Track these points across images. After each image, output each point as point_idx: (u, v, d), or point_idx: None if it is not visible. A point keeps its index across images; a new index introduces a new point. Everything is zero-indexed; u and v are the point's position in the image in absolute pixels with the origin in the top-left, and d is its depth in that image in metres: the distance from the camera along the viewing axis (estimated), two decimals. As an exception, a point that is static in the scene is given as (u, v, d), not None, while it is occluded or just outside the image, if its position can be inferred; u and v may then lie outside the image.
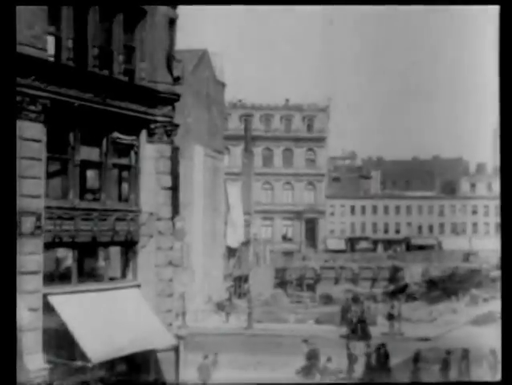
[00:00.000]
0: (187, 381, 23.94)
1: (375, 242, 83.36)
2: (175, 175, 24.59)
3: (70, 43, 21.19)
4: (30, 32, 19.45)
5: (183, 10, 24.49)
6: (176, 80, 24.14)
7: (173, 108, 24.06)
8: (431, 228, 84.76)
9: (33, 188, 19.81)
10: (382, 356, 28.55)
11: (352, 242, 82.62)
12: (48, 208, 20.37)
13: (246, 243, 58.46)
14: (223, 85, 56.15)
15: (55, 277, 20.97)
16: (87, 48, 21.76)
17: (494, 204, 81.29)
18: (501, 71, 18.98)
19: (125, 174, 23.36)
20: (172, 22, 24.01)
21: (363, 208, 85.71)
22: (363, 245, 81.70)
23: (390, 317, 39.51)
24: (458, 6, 21.21)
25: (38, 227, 19.85)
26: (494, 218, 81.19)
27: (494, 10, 19.19)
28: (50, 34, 20.55)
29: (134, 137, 23.15)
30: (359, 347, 30.26)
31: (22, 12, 19.02)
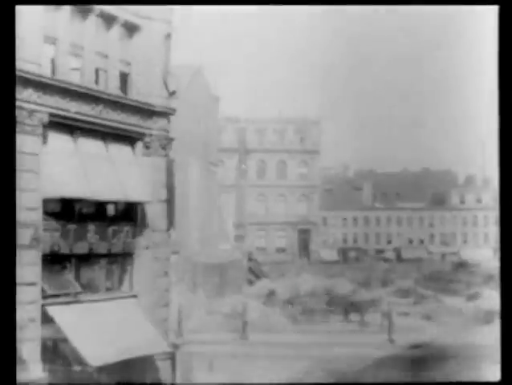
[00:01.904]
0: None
1: (366, 252, 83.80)
2: (170, 187, 24.92)
3: (67, 58, 21.64)
4: (26, 47, 19.85)
5: (178, 26, 24.97)
6: (172, 94, 24.57)
7: (169, 122, 24.48)
8: (421, 240, 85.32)
9: (31, 201, 20.16)
10: None
11: (345, 253, 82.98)
12: (46, 220, 20.74)
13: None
14: (217, 99, 56.66)
15: (53, 287, 21.26)
16: (84, 63, 22.22)
17: (483, 215, 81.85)
18: (500, 72, 19.14)
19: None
20: (167, 37, 24.45)
21: (355, 219, 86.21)
22: (353, 254, 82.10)
23: None
24: (457, 6, 21.41)
25: (36, 239, 20.18)
26: (483, 229, 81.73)
27: (494, 11, 19.36)
28: (48, 48, 20.99)
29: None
30: None
31: (20, 26, 19.38)
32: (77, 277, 21.96)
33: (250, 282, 57.17)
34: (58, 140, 21.31)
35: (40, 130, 20.41)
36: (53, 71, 21.40)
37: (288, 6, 20.60)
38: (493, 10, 19.40)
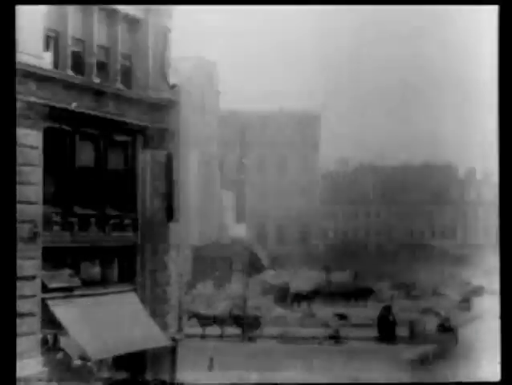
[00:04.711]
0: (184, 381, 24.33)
1: (366, 246, 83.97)
2: (170, 180, 24.91)
3: (68, 51, 21.61)
4: (27, 40, 19.81)
5: (178, 19, 24.91)
6: (172, 88, 24.56)
7: (169, 115, 24.46)
8: (422, 233, 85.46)
9: (31, 195, 20.14)
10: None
11: (345, 247, 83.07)
12: (46, 214, 20.72)
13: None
14: (218, 92, 56.63)
15: (53, 281, 21.27)
16: (85, 56, 22.20)
17: (483, 209, 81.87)
18: (500, 71, 19.16)
19: (122, 180, 23.69)
20: (168, 31, 24.43)
21: (356, 213, 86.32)
22: (354, 248, 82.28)
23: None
24: (457, 6, 21.39)
25: (36, 233, 20.17)
26: (483, 223, 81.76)
27: (494, 11, 19.33)
28: (49, 41, 20.98)
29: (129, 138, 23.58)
30: None
31: (21, 19, 19.34)
32: (77, 271, 21.94)
33: (250, 276, 57.27)
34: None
35: (40, 123, 20.35)
36: (54, 64, 21.35)
37: (290, 6, 20.58)
38: (493, 10, 19.42)
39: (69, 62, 21.64)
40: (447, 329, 36.95)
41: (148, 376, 22.80)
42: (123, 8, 23.12)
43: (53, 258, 21.24)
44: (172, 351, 23.81)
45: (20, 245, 19.51)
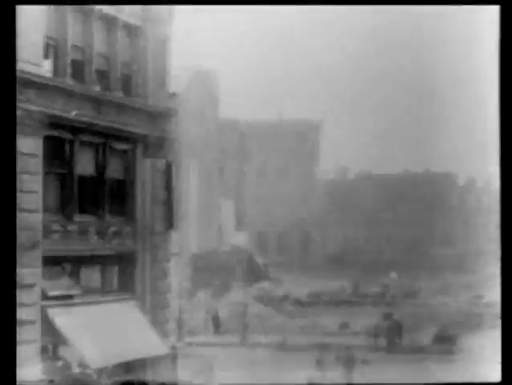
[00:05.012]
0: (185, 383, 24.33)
1: (367, 254, 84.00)
2: (170, 188, 24.95)
3: (68, 59, 21.67)
4: (27, 48, 19.87)
5: (178, 27, 25.01)
6: (172, 96, 24.62)
7: (169, 123, 24.51)
8: (422, 241, 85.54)
9: (30, 203, 20.15)
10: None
11: (345, 254, 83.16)
12: (46, 222, 20.73)
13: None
14: (217, 101, 56.78)
15: (53, 289, 21.26)
16: (85, 64, 22.26)
17: (483, 217, 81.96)
18: (501, 72, 19.13)
19: (121, 188, 23.73)
20: (167, 39, 24.50)
21: (356, 221, 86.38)
22: (354, 256, 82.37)
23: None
24: (456, 7, 21.38)
25: (36, 241, 20.18)
26: (483, 230, 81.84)
27: (494, 11, 19.34)
28: (48, 49, 21.04)
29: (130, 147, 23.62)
30: None
31: (20, 27, 19.38)
32: (77, 279, 21.95)
33: (250, 284, 57.27)
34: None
35: (40, 131, 20.38)
36: (53, 73, 21.41)
37: (290, 7, 20.60)
38: (493, 10, 19.41)
39: (69, 70, 21.69)
40: (446, 336, 36.97)
41: (148, 383, 22.77)
42: (123, 16, 23.19)
43: (53, 266, 21.25)
44: (173, 359, 23.80)
45: (20, 253, 19.50)
